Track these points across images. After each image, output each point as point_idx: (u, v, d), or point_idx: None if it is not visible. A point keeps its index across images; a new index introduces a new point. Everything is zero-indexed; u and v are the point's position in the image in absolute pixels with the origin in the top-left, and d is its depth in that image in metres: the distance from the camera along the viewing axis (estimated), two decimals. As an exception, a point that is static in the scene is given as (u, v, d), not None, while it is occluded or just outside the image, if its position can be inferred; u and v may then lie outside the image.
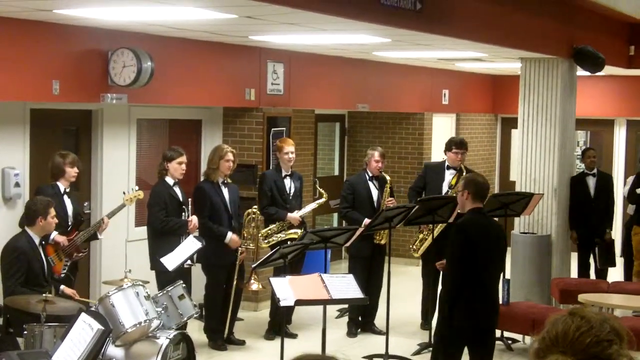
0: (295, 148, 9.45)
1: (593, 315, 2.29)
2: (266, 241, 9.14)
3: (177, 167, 8.38)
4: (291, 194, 9.35)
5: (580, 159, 12.19)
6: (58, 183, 7.93)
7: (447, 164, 9.68)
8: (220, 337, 8.85)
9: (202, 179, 9.02)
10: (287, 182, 9.34)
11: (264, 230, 9.21)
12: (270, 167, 10.02)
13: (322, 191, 9.50)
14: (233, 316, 8.98)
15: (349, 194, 9.44)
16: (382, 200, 9.39)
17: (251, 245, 8.85)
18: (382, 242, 9.36)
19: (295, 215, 9.22)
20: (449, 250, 6.63)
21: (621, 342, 2.28)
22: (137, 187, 8.38)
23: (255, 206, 8.84)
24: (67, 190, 7.98)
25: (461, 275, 6.41)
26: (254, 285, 8.88)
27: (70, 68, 7.93)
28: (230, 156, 8.71)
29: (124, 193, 8.24)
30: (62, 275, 7.71)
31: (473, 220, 6.57)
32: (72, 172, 7.95)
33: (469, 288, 6.41)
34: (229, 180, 8.87)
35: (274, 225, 9.21)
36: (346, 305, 9.53)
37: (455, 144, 9.62)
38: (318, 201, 9.48)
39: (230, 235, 8.63)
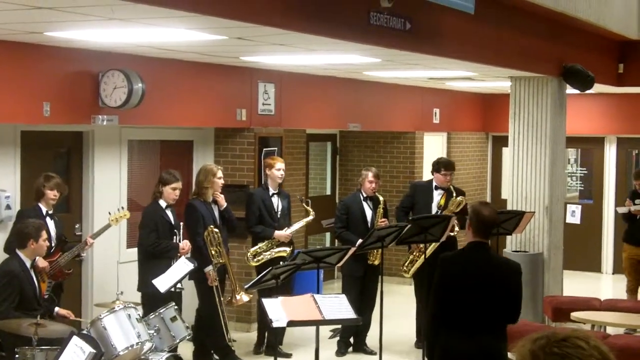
0: (285, 167, 9.47)
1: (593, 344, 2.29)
2: (255, 260, 9.14)
3: (170, 192, 8.39)
4: (279, 212, 9.36)
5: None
6: (40, 205, 7.89)
7: (435, 184, 9.74)
8: (232, 351, 8.82)
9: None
10: (275, 200, 9.36)
11: (252, 249, 9.22)
12: (260, 186, 10.02)
13: (309, 209, 9.49)
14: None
15: (343, 214, 9.47)
16: (376, 220, 9.40)
17: (220, 261, 8.79)
18: (376, 262, 9.36)
19: (283, 233, 9.23)
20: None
21: None
22: (123, 207, 8.36)
23: (212, 225, 8.74)
24: (50, 212, 7.93)
25: (438, 310, 5.77)
26: (245, 297, 8.82)
27: (61, 90, 7.93)
28: (220, 173, 8.85)
29: (109, 213, 8.23)
30: (46, 296, 7.67)
31: (459, 255, 6.08)
32: (50, 194, 7.88)
33: (447, 326, 5.74)
34: (220, 198, 8.88)
35: (263, 244, 9.22)
36: (339, 325, 9.51)
37: (444, 166, 9.73)
38: (306, 219, 9.47)
39: (210, 268, 8.63)
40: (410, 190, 10.25)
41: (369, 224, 9.38)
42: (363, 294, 9.32)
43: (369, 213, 9.46)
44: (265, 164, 9.54)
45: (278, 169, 9.31)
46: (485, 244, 5.85)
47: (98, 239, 9.24)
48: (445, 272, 5.81)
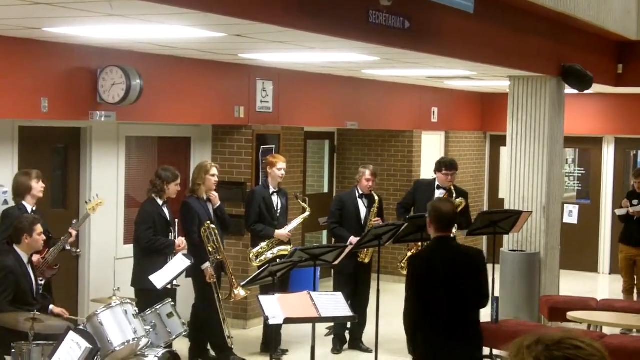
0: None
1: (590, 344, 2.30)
2: (257, 260, 9.11)
3: (174, 189, 8.44)
4: (279, 211, 9.34)
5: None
6: (24, 203, 7.79)
7: (437, 183, 9.71)
8: (231, 351, 8.82)
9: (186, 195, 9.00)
10: (275, 198, 9.34)
11: (255, 250, 9.19)
12: (260, 184, 10.00)
13: (306, 205, 9.47)
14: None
15: (337, 210, 9.46)
16: (369, 219, 9.39)
17: (218, 257, 8.78)
18: (366, 260, 9.38)
19: (283, 232, 9.21)
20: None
21: None
22: (98, 195, 8.34)
23: (209, 221, 8.72)
24: (34, 209, 7.85)
25: (415, 308, 6.03)
26: (242, 292, 8.80)
27: (59, 86, 7.92)
28: (215, 171, 8.83)
29: (86, 202, 8.24)
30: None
31: (426, 251, 6.32)
32: (38, 187, 7.80)
33: (425, 321, 5.97)
34: (213, 196, 8.87)
35: (264, 244, 9.19)
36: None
37: (445, 166, 9.68)
38: (302, 215, 9.44)
39: (207, 265, 8.62)
40: (412, 187, 10.25)
41: (363, 221, 9.38)
42: (355, 291, 9.32)
43: (363, 210, 9.45)
44: (267, 163, 9.48)
45: (280, 168, 9.28)
46: (448, 237, 6.07)
47: (96, 235, 9.31)
48: (415, 269, 6.10)
